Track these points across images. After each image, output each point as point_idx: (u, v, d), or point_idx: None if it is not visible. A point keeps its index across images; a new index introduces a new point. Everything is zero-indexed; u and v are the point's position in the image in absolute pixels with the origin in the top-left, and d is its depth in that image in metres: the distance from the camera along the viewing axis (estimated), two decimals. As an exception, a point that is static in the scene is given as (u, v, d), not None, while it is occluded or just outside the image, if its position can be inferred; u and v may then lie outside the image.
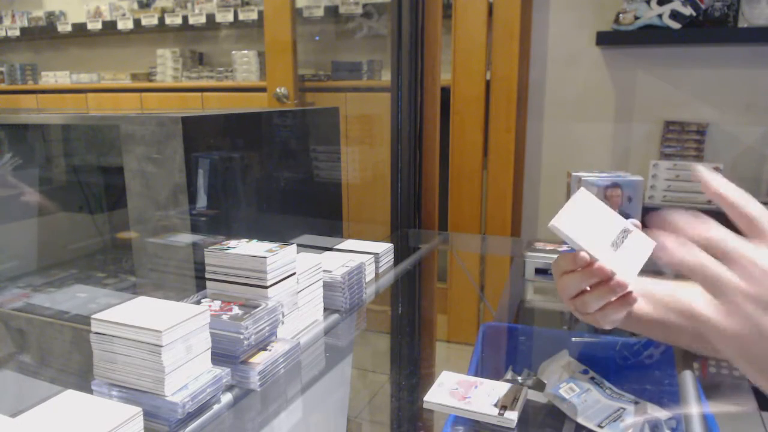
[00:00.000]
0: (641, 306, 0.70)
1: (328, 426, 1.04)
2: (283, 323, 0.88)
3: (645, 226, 1.41)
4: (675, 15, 1.62)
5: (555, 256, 0.80)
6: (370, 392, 1.37)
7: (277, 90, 2.58)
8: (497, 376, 0.98)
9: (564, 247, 1.35)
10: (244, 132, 1.30)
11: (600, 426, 0.78)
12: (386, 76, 2.69)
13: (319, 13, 2.67)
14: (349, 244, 1.30)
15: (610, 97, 1.94)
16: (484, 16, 2.11)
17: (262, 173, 1.33)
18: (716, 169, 1.57)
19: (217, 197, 1.21)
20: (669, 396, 0.86)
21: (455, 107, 2.25)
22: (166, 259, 1.15)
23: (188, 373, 0.71)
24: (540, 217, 2.30)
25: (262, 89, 2.72)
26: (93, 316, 0.71)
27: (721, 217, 1.69)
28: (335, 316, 1.02)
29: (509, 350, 1.13)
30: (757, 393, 0.77)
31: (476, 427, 0.79)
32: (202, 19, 2.94)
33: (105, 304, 0.75)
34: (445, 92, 2.13)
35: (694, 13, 1.60)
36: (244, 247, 0.89)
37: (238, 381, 0.77)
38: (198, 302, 0.86)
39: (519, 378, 0.96)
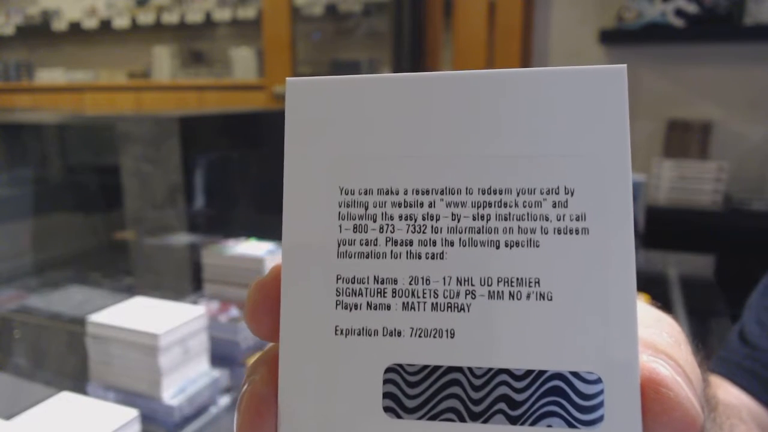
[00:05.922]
0: None
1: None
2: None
3: (647, 226, 1.39)
4: (679, 12, 1.60)
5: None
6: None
7: (278, 88, 2.57)
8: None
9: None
10: (242, 131, 1.29)
11: None
12: (385, 75, 2.67)
13: (318, 10, 2.65)
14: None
15: (611, 95, 1.92)
16: (485, 14, 2.09)
17: (260, 172, 1.32)
18: (720, 168, 1.55)
19: (215, 197, 1.19)
20: None
21: (455, 106, 2.23)
22: (163, 259, 1.13)
23: (185, 375, 0.70)
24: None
25: (261, 87, 2.70)
26: (89, 318, 0.69)
27: (725, 218, 1.65)
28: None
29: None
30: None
31: None
32: (200, 17, 2.92)
33: (101, 305, 0.74)
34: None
35: (699, 11, 1.59)
36: (243, 247, 0.88)
37: (237, 383, 0.76)
38: (195, 303, 0.85)
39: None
